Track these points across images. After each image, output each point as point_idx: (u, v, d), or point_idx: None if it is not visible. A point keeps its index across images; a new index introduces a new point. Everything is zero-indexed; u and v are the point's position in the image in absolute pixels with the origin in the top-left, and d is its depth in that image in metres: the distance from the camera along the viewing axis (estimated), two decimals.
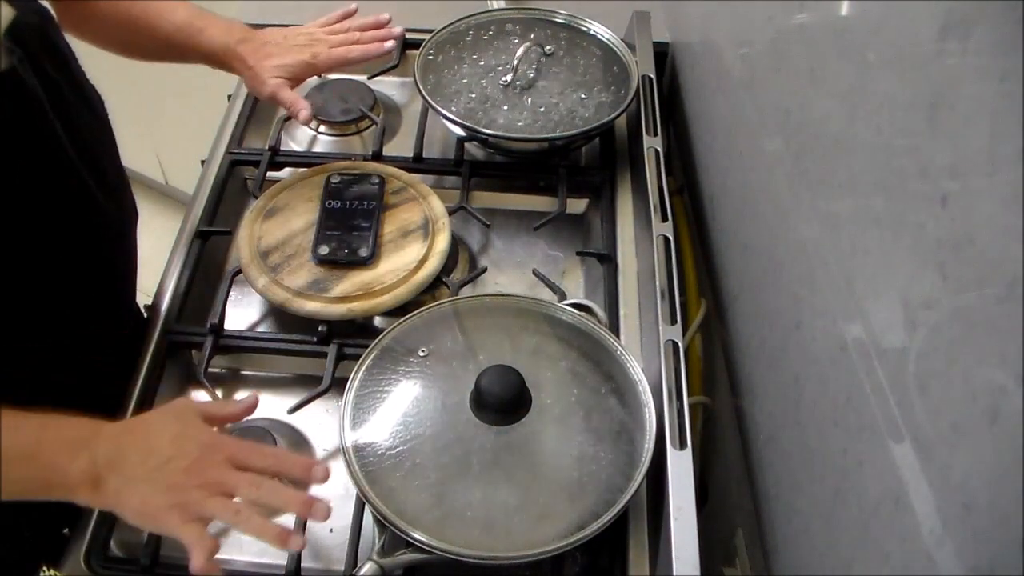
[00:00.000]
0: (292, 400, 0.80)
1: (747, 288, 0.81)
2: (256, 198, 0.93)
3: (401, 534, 0.64)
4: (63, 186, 0.76)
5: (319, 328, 0.82)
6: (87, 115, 0.81)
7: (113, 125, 0.85)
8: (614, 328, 0.84)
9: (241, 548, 0.74)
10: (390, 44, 0.93)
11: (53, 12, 0.78)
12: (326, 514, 0.61)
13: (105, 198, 0.81)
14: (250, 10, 1.19)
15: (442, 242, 0.87)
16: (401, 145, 1.05)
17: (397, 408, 0.71)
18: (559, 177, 0.97)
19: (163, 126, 1.62)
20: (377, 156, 0.99)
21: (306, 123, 0.92)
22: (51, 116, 0.72)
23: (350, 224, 0.87)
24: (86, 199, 0.78)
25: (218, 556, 0.73)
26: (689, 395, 0.70)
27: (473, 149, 1.02)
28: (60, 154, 0.74)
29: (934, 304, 0.45)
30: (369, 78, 1.11)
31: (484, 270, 0.92)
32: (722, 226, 0.90)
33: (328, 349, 0.82)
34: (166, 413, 0.66)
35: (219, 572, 0.60)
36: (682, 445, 0.67)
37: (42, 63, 0.72)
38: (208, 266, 0.92)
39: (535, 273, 0.90)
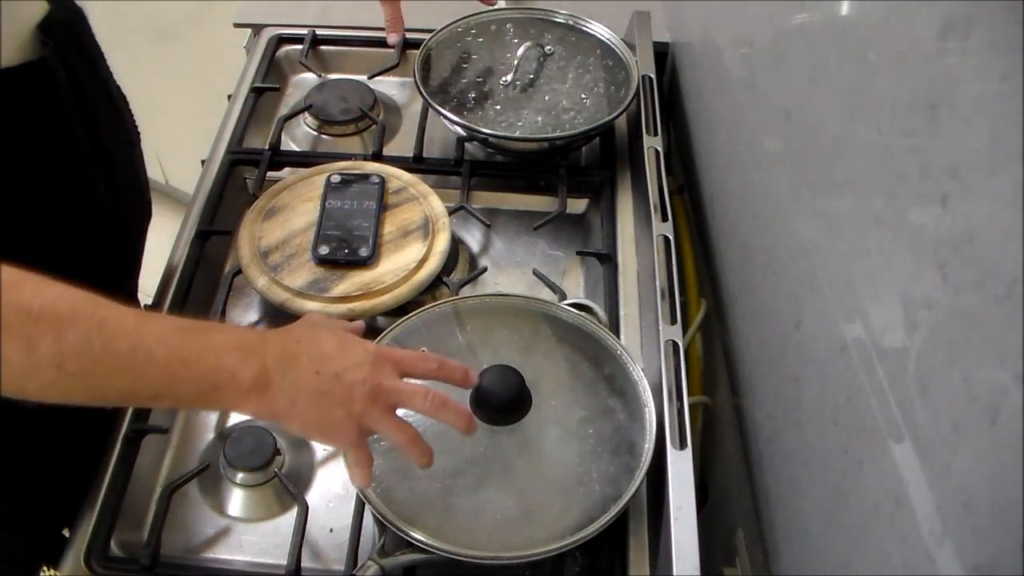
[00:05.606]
0: None
1: (747, 288, 0.81)
2: (256, 198, 0.93)
3: (401, 534, 0.64)
4: (69, 179, 0.76)
5: None
6: (109, 114, 0.81)
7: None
8: (614, 328, 0.84)
9: (241, 548, 0.74)
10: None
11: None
12: (475, 428, 0.63)
13: (112, 197, 0.81)
14: (250, 10, 1.19)
15: (442, 242, 0.87)
16: (401, 145, 1.05)
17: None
18: (559, 177, 0.97)
19: (163, 126, 1.62)
20: (377, 156, 0.99)
21: None
22: (71, 111, 0.72)
23: (350, 224, 0.87)
24: (90, 194, 0.78)
25: (217, 556, 0.74)
26: (689, 395, 0.70)
27: (473, 149, 1.02)
28: (72, 148, 0.74)
29: (934, 304, 0.45)
30: (369, 78, 1.10)
31: (484, 270, 0.92)
32: (722, 226, 0.90)
33: None
34: (320, 324, 0.62)
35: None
36: (682, 445, 0.66)
37: (70, 59, 0.73)
38: (208, 266, 0.92)
39: (535, 273, 0.90)
